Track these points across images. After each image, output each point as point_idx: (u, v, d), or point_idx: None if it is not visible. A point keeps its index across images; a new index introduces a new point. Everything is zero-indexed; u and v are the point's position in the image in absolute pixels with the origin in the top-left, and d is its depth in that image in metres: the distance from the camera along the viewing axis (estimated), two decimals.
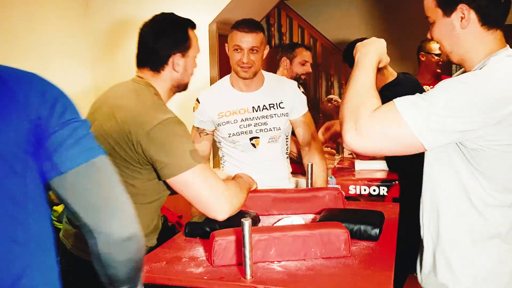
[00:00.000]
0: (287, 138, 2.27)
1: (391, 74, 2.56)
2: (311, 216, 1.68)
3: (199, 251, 1.38)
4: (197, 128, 2.23)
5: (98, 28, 3.67)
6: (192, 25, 1.63)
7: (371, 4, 5.41)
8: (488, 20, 1.21)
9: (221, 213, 1.41)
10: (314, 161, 2.19)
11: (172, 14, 1.64)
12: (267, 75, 2.26)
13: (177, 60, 1.57)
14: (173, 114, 1.46)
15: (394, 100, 1.14)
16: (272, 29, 5.35)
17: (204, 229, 1.47)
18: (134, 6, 3.56)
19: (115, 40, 3.64)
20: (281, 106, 2.19)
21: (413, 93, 1.18)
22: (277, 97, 2.19)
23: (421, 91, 1.21)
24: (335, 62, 5.13)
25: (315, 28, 5.21)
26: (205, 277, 1.19)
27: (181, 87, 1.65)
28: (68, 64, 3.47)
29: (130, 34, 3.57)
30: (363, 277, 1.17)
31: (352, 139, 1.15)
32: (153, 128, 1.39)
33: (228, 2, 3.42)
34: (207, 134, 2.24)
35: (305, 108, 2.26)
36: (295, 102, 2.22)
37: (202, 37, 3.42)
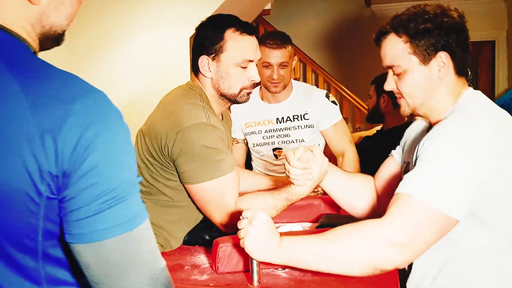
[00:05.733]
0: None
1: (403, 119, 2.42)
2: (308, 224, 1.68)
3: (201, 259, 1.36)
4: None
5: (76, 40, 3.60)
6: (238, 27, 1.45)
7: (350, 19, 5.54)
8: (461, 67, 1.19)
9: (222, 229, 1.41)
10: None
11: (224, 14, 1.51)
12: (296, 85, 2.25)
13: (204, 63, 1.46)
14: (206, 119, 1.38)
15: (402, 193, 1.07)
16: None
17: (203, 237, 1.46)
18: (113, 18, 3.53)
19: (93, 52, 3.59)
20: (306, 118, 2.18)
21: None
22: (302, 108, 2.18)
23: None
24: (314, 77, 5.20)
25: (293, 43, 5.28)
26: (211, 284, 1.17)
27: (228, 97, 1.49)
28: None
29: (108, 46, 3.56)
30: (370, 281, 1.17)
31: (399, 260, 1.04)
32: (179, 132, 1.35)
33: (208, 16, 3.44)
34: (239, 142, 2.24)
35: (335, 118, 2.20)
36: (322, 113, 2.18)
37: (184, 49, 3.45)
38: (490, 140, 1.07)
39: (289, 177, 1.34)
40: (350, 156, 2.23)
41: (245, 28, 1.46)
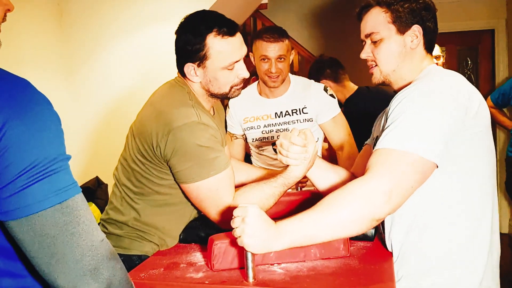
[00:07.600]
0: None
1: (352, 88, 2.67)
2: None
3: (197, 256, 1.35)
4: (229, 132, 2.24)
5: (73, 38, 3.61)
6: (219, 30, 1.38)
7: (347, 13, 5.51)
8: (430, 44, 1.35)
9: (220, 225, 1.41)
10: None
11: (202, 14, 1.45)
12: (294, 79, 2.24)
13: (190, 69, 1.43)
14: (197, 117, 1.35)
15: (379, 149, 1.15)
16: (249, 37, 5.36)
17: (199, 234, 1.45)
18: (108, 16, 3.52)
19: (90, 50, 3.58)
20: (305, 112, 2.17)
21: (376, 105, 1.36)
22: (300, 102, 2.18)
23: (387, 101, 1.28)
24: None
25: (291, 36, 5.25)
26: (207, 282, 1.16)
27: (219, 96, 1.47)
28: (43, 74, 3.39)
29: (105, 44, 3.55)
30: (366, 275, 1.17)
31: (388, 207, 1.10)
32: (171, 132, 1.33)
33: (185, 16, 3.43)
34: (237, 138, 2.24)
35: (334, 111, 2.20)
36: (321, 106, 2.18)
37: None
38: (453, 95, 1.18)
39: (282, 157, 1.36)
40: (349, 149, 2.23)
41: (226, 29, 1.39)
